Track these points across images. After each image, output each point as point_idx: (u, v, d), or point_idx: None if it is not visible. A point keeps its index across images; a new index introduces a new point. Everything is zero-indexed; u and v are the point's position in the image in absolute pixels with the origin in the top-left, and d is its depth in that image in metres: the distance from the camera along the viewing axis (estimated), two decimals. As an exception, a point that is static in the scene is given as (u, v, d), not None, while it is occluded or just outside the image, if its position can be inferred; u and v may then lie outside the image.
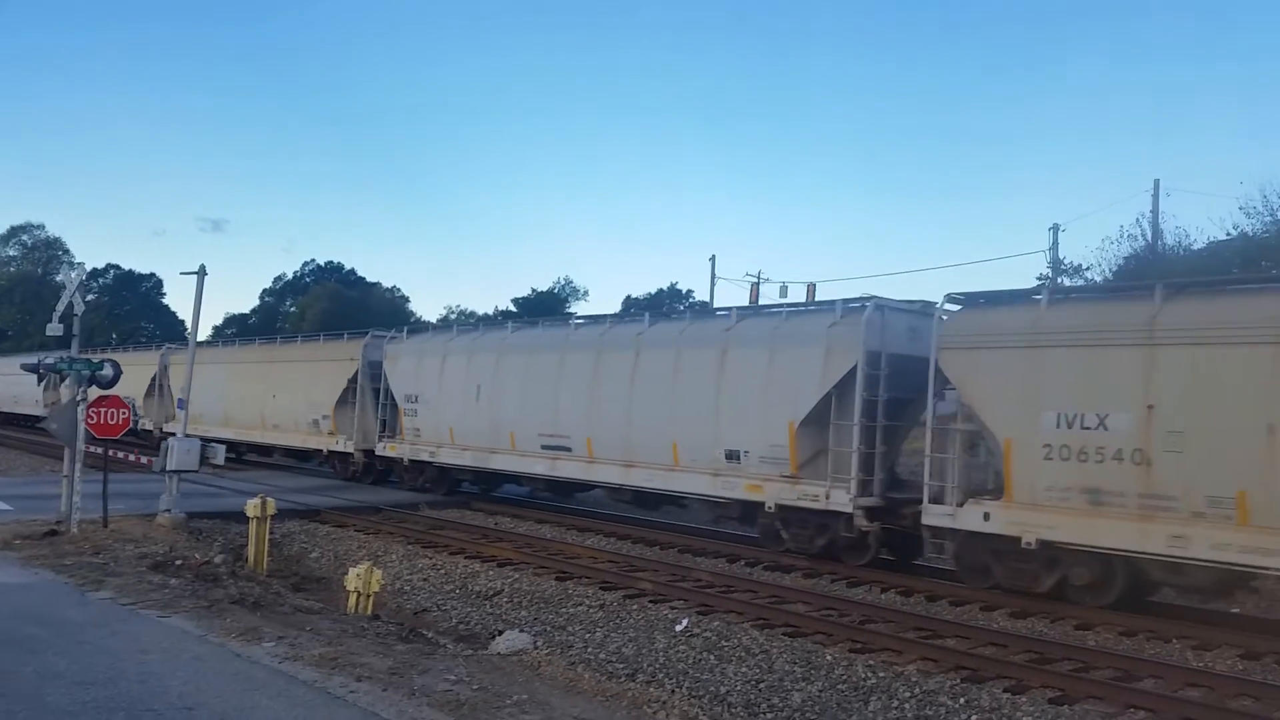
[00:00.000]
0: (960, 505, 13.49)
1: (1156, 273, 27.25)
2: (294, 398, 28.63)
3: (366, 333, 28.11)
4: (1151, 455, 11.67)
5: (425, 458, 23.61)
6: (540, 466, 20.29)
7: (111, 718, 6.42)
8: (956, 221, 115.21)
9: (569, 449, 19.46)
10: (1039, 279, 36.76)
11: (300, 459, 29.75)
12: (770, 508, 15.91)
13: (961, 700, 9.38)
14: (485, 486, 24.08)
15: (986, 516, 13.14)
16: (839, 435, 15.23)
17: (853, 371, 15.09)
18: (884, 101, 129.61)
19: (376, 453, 25.38)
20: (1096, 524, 12.14)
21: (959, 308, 14.45)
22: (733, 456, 16.44)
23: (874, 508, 14.97)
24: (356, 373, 26.47)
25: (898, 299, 16.60)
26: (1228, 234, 29.27)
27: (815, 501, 15.24)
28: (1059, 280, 35.28)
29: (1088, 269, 34.80)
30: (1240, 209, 28.86)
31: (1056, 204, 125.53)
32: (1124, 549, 12.04)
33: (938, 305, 14.93)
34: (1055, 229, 37.23)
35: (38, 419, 37.57)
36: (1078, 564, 12.65)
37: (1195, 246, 30.52)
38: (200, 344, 27.14)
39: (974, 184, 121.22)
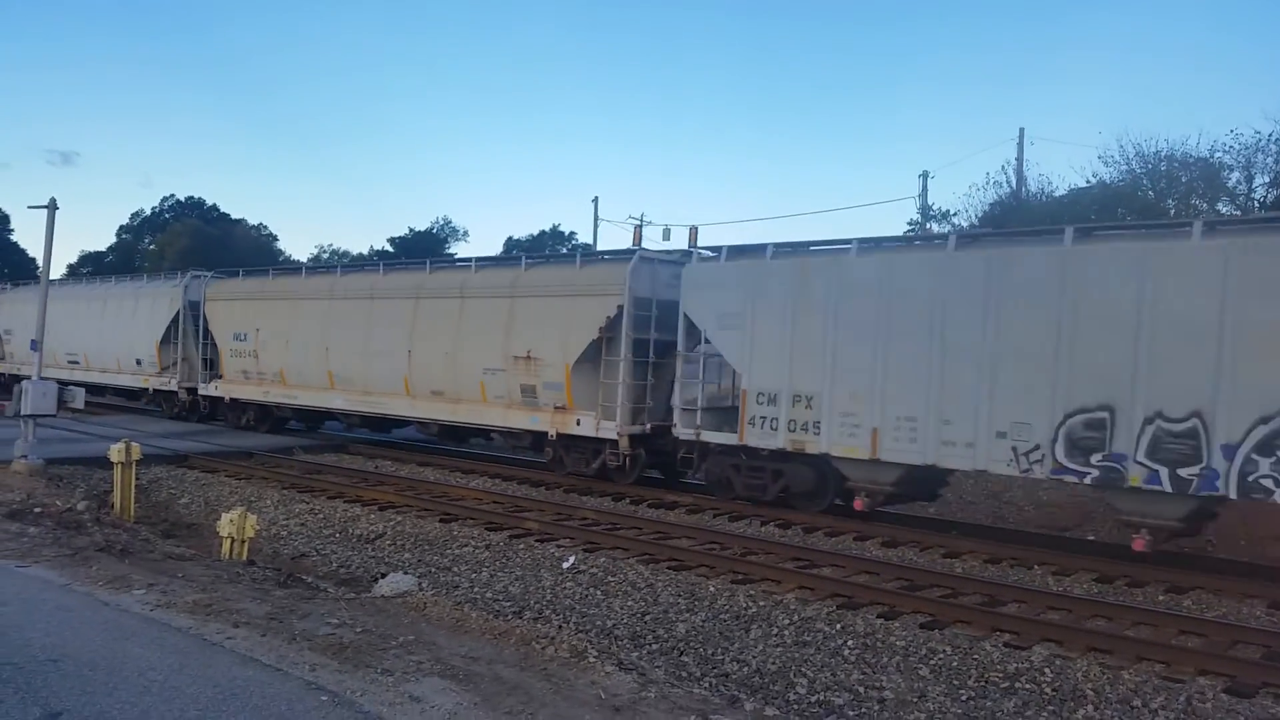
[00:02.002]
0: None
1: (1020, 218, 28.33)
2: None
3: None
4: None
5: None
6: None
7: (-33, 673, 6.06)
8: (837, 167, 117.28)
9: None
10: (910, 224, 37.85)
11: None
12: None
13: (838, 626, 9.71)
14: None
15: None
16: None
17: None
18: (766, 49, 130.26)
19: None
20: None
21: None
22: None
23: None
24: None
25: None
26: (1087, 181, 30.60)
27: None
28: (928, 226, 36.37)
29: (955, 214, 35.97)
30: (1099, 158, 30.19)
31: (930, 151, 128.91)
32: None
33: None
34: (925, 176, 38.51)
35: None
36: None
37: (1058, 193, 31.81)
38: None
39: (853, 131, 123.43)
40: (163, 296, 27.51)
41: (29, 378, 16.87)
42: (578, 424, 17.33)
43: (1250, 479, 10.73)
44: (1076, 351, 12.00)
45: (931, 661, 8.82)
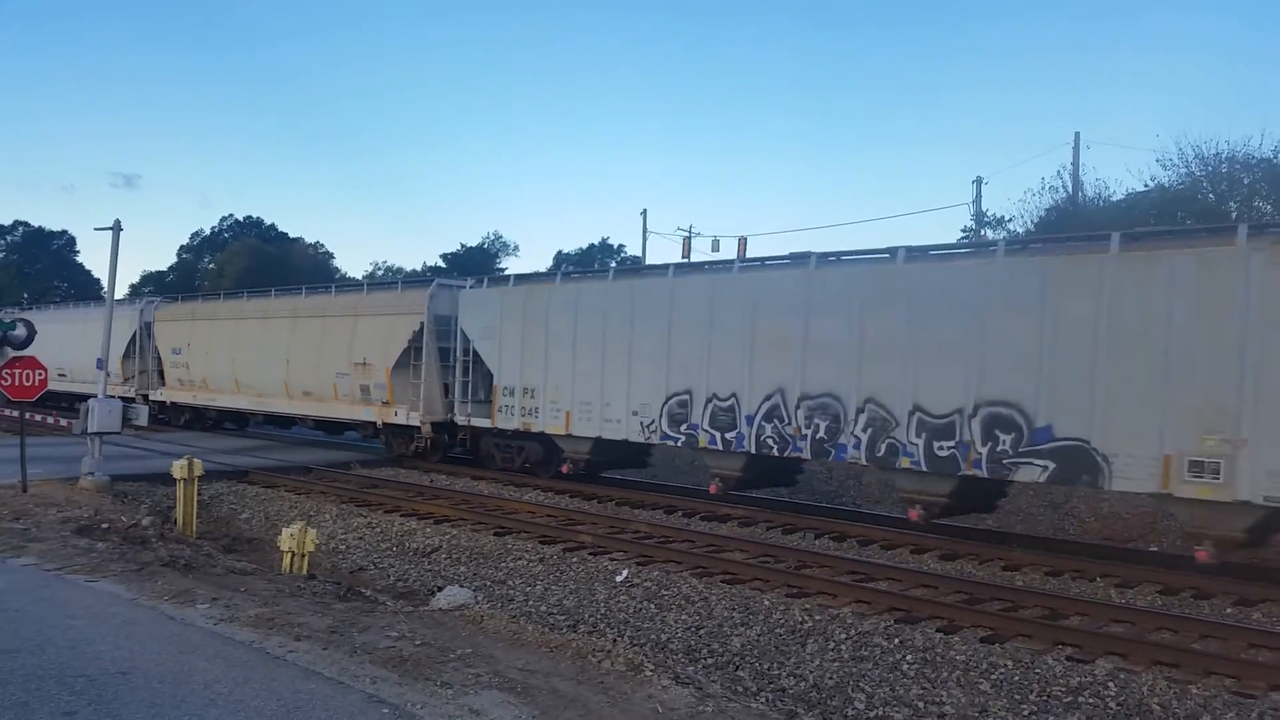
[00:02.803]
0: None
1: (1078, 224, 27.88)
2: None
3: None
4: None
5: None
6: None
7: (41, 686, 6.23)
8: (887, 175, 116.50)
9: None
10: (963, 231, 37.41)
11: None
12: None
13: (896, 640, 9.61)
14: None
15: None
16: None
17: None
18: (818, 56, 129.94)
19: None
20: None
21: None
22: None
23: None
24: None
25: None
26: (1145, 185, 30.03)
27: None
28: (982, 232, 35.93)
29: (1010, 221, 35.47)
30: (1157, 161, 29.60)
31: (982, 157, 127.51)
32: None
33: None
34: (979, 182, 37.83)
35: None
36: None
37: (1115, 198, 31.26)
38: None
39: (904, 137, 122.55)
40: (124, 319, 31.04)
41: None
42: (396, 415, 22.01)
43: (760, 439, 15.42)
44: (673, 353, 16.68)
45: (993, 676, 8.69)
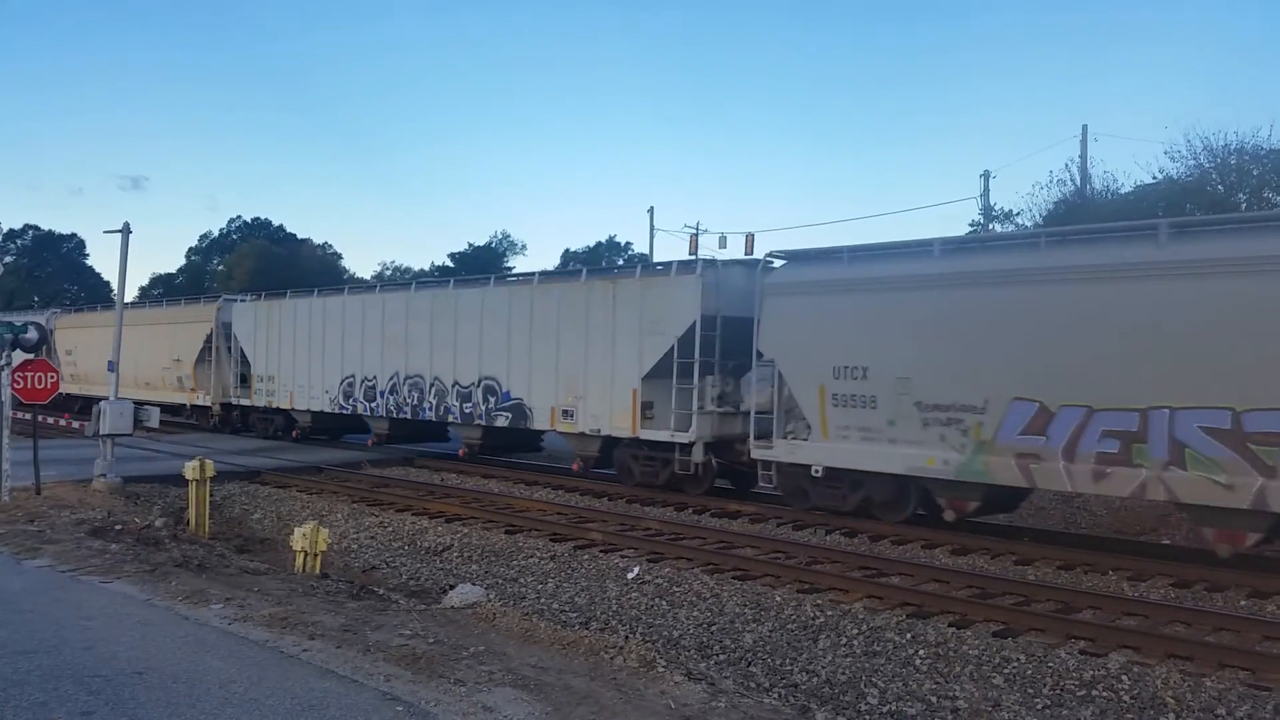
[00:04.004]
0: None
1: (1085, 216, 27.76)
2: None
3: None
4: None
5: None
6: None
7: (59, 686, 6.27)
8: (895, 170, 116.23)
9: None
10: (971, 225, 37.29)
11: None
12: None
13: (908, 635, 9.60)
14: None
15: None
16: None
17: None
18: (822, 51, 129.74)
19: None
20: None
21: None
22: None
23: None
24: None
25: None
26: (1154, 177, 29.83)
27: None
28: (990, 226, 35.80)
29: (1018, 214, 35.32)
30: (1165, 153, 29.38)
31: (989, 150, 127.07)
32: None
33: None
34: (986, 175, 37.58)
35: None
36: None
37: (1123, 190, 31.09)
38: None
39: (910, 132, 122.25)
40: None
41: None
42: (199, 398, 29.19)
43: (387, 407, 22.91)
44: (345, 350, 23.94)
45: (1005, 670, 8.68)
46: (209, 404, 28.88)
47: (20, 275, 71.85)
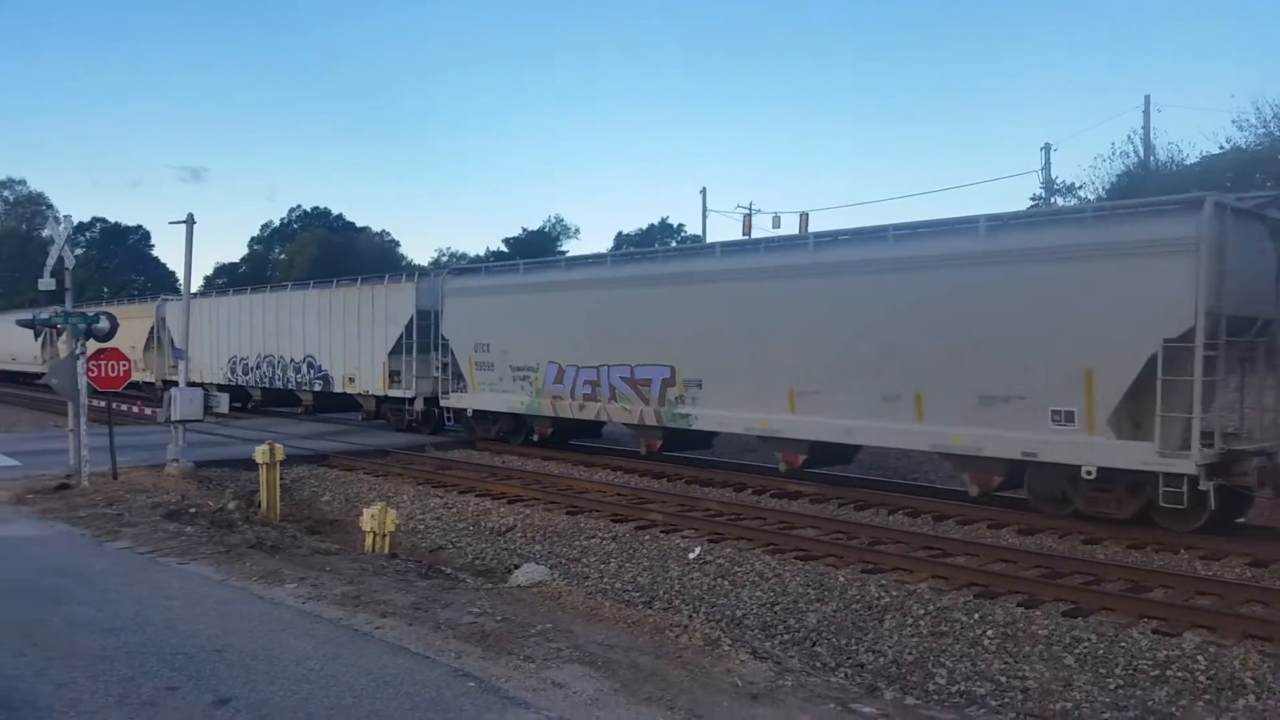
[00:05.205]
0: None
1: (1150, 188, 27.09)
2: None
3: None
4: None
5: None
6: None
7: (144, 662, 6.48)
8: (951, 145, 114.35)
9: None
10: (1032, 199, 36.60)
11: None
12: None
13: (976, 615, 9.51)
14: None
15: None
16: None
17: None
18: (880, 26, 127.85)
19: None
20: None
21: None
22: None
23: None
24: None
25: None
26: (1221, 148, 29.09)
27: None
28: (1051, 200, 35.09)
29: (1080, 187, 34.61)
30: (1233, 122, 28.61)
31: (1049, 124, 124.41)
32: None
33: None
34: (1047, 149, 36.83)
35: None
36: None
37: (1188, 161, 30.31)
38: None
39: (967, 106, 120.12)
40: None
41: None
42: (147, 376, 33.92)
43: (258, 380, 30.29)
44: (235, 337, 30.70)
45: (1076, 650, 8.57)
46: (154, 380, 34.69)
47: (90, 267, 73.80)
